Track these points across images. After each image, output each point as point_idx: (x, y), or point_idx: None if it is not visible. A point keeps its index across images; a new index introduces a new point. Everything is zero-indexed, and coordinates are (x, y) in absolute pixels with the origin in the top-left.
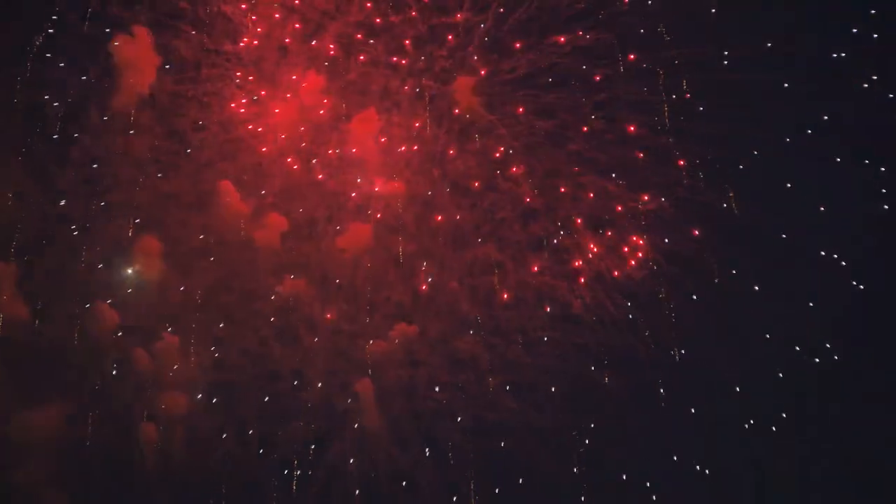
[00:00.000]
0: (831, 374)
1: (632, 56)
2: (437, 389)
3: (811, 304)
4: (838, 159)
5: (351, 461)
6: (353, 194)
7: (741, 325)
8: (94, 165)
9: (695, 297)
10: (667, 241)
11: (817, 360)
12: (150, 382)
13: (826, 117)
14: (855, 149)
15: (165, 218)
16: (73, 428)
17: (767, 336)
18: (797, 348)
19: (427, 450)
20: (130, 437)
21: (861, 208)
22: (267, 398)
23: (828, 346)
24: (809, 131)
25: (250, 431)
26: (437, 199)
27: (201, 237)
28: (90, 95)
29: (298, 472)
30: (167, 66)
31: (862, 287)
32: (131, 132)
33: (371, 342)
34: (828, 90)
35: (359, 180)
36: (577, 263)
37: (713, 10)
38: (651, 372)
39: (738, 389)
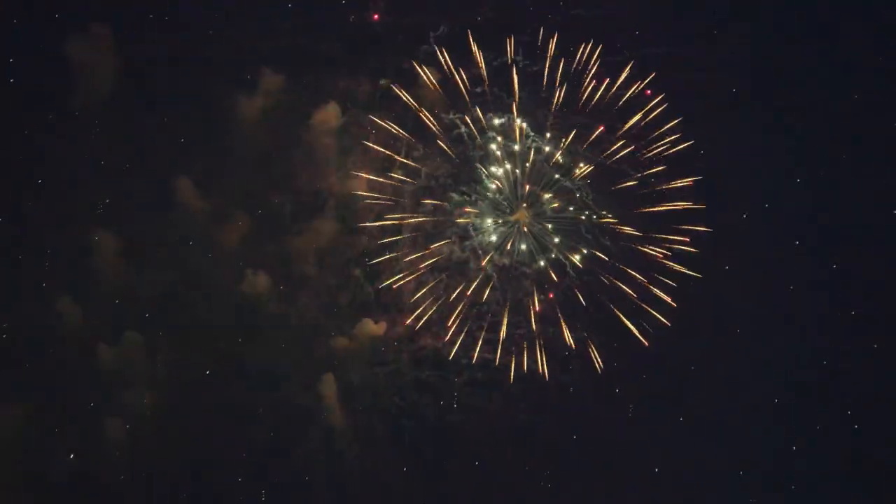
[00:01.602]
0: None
1: (592, 54)
2: (401, 387)
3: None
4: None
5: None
6: (317, 192)
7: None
8: (57, 165)
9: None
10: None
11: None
12: (114, 381)
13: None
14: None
15: (128, 216)
16: (35, 427)
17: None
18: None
19: (392, 448)
20: (93, 436)
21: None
22: (231, 397)
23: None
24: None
25: (215, 430)
26: (401, 197)
27: (164, 236)
28: (51, 95)
29: (265, 471)
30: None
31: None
32: (94, 132)
33: (335, 339)
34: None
35: (322, 178)
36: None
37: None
38: (617, 370)
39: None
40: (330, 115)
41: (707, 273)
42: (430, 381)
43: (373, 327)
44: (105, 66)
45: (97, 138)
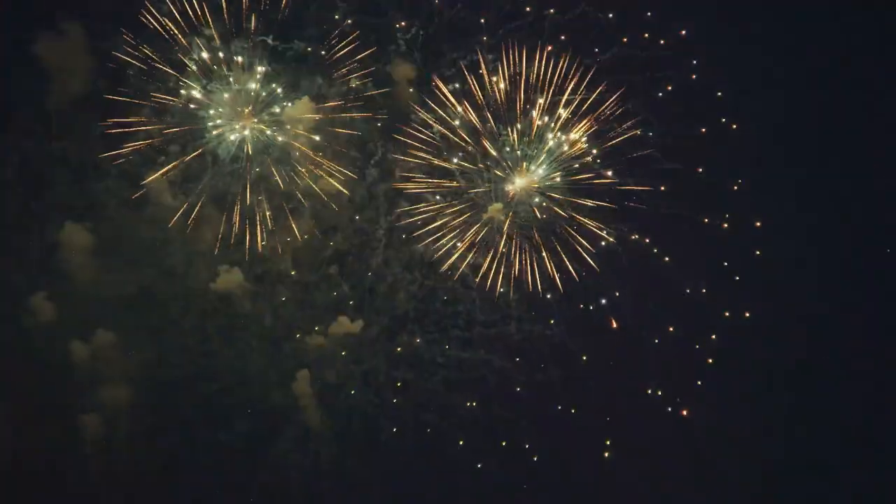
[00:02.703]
0: None
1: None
2: (377, 386)
3: None
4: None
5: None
6: (292, 191)
7: None
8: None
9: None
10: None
11: None
12: (88, 380)
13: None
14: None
15: (102, 215)
16: (9, 423)
17: None
18: None
19: (369, 447)
20: (67, 433)
21: None
22: (205, 395)
23: None
24: None
25: (189, 428)
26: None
27: (138, 234)
28: (23, 95)
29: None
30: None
31: None
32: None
33: (310, 338)
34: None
35: (296, 175)
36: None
37: None
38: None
39: None
40: (304, 114)
41: None
42: (406, 380)
43: (349, 326)
44: (78, 65)
45: (71, 137)
